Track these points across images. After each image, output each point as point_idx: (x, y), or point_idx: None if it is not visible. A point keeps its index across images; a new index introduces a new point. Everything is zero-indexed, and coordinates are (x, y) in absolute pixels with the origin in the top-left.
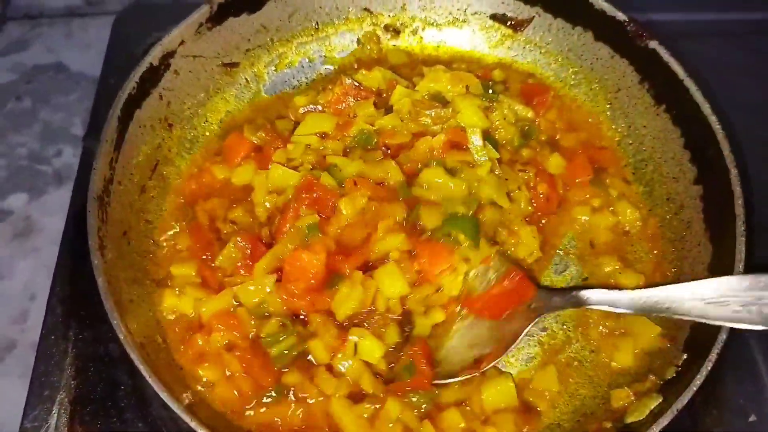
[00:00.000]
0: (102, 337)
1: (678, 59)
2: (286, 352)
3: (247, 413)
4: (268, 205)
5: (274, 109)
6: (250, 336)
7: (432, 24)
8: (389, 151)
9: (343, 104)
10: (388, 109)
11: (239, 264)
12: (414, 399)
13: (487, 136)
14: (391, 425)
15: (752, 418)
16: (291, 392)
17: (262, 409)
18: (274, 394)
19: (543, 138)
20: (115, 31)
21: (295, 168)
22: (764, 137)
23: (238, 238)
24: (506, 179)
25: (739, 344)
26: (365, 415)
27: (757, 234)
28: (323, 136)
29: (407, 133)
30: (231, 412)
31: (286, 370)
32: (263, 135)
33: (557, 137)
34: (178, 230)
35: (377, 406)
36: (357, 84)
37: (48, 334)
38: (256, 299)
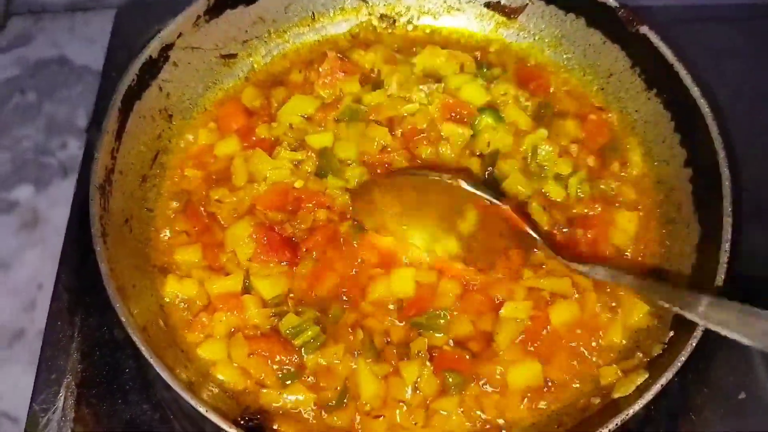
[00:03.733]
0: (107, 322)
1: (670, 44)
2: (311, 341)
3: (255, 394)
4: (246, 198)
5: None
6: (255, 323)
7: (427, 12)
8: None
9: (330, 78)
10: (379, 85)
11: (257, 252)
12: (449, 377)
13: (493, 110)
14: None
15: (742, 396)
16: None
17: (273, 390)
18: (289, 376)
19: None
20: (116, 25)
21: (276, 140)
22: (758, 121)
23: (252, 232)
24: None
25: None
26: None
27: (746, 217)
28: (308, 118)
29: (398, 107)
30: (235, 393)
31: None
32: (257, 104)
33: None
34: (175, 208)
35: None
36: (341, 56)
37: (54, 321)
38: (279, 293)
